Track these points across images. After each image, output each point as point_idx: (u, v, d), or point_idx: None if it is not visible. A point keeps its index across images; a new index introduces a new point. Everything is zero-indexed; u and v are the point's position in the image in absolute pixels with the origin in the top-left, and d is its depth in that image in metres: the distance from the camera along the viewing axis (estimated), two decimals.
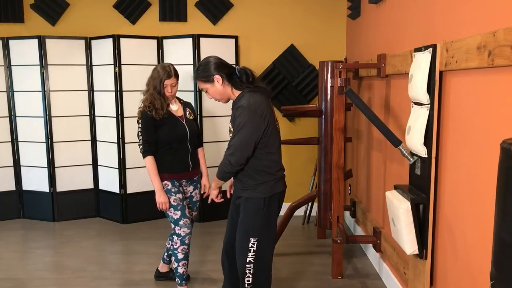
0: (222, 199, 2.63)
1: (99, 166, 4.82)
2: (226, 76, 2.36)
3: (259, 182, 2.34)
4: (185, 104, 3.11)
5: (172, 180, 2.96)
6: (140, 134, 2.89)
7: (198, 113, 4.53)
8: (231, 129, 2.33)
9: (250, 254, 2.37)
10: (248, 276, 2.38)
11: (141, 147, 2.89)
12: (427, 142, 2.24)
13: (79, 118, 4.74)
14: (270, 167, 2.35)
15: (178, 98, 3.10)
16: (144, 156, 2.90)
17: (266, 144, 2.31)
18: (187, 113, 3.07)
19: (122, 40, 4.45)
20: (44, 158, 4.68)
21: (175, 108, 3.01)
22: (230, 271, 2.59)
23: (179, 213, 2.91)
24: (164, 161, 2.93)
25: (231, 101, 2.48)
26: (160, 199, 2.89)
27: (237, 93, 2.38)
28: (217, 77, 2.35)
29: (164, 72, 2.88)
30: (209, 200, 2.65)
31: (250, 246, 2.36)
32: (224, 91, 2.39)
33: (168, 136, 2.91)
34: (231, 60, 4.63)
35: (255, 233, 2.36)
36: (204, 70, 2.38)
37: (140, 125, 2.89)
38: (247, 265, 2.38)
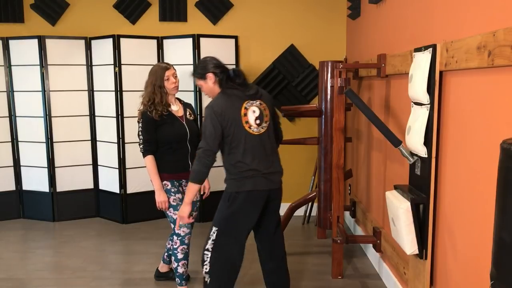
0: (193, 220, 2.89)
1: (99, 166, 4.82)
2: (219, 75, 2.51)
3: (228, 178, 2.52)
4: (185, 105, 3.13)
5: (172, 180, 2.96)
6: (140, 133, 2.91)
7: (198, 113, 4.53)
8: None
9: (209, 242, 2.51)
10: (206, 264, 2.51)
11: (141, 146, 2.91)
12: (427, 142, 2.24)
13: (79, 118, 4.74)
14: (235, 166, 2.46)
15: (178, 99, 3.11)
16: (144, 156, 2.91)
17: (229, 145, 2.45)
18: (188, 113, 3.08)
19: (122, 40, 4.45)
20: (44, 158, 4.68)
21: (176, 108, 3.02)
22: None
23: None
24: (164, 161, 2.94)
25: None
26: (160, 198, 2.90)
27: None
28: (210, 75, 2.52)
29: (162, 66, 2.94)
30: (177, 224, 2.75)
31: (210, 234, 2.51)
32: (213, 90, 2.56)
33: (168, 135, 2.92)
34: (231, 60, 4.64)
35: (216, 223, 2.51)
36: (202, 67, 2.56)
37: (140, 125, 2.91)
38: (205, 252, 2.52)
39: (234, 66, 4.66)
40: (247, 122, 2.45)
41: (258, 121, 2.49)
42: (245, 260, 3.15)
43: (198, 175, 2.46)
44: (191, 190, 2.51)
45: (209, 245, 2.50)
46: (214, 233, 2.49)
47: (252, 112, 2.48)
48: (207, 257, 2.50)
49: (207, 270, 2.50)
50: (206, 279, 2.54)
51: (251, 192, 2.46)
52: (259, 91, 2.58)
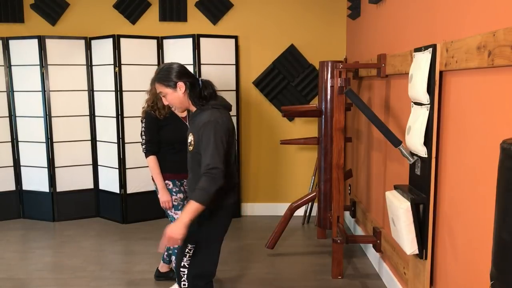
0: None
1: (99, 166, 4.82)
2: (189, 85, 2.29)
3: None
4: None
5: (174, 180, 2.96)
6: (143, 133, 2.91)
7: None
8: (192, 143, 2.27)
9: (185, 259, 2.33)
10: (184, 281, 2.33)
11: (143, 146, 2.91)
12: (427, 142, 2.24)
13: (79, 118, 4.74)
14: (226, 180, 2.20)
15: None
16: (146, 156, 2.92)
17: (226, 159, 2.24)
18: (191, 114, 3.07)
19: (122, 40, 4.45)
20: (44, 158, 4.68)
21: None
22: None
23: (179, 213, 2.91)
24: (167, 161, 2.94)
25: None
26: (163, 198, 2.91)
27: (197, 105, 2.31)
28: (181, 84, 2.27)
29: None
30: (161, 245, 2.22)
31: (186, 251, 2.32)
32: (184, 100, 2.31)
33: (171, 136, 2.93)
34: (231, 60, 4.64)
35: (191, 240, 2.29)
36: (167, 74, 2.29)
37: (143, 125, 2.92)
38: (181, 269, 2.33)
39: (233, 66, 4.67)
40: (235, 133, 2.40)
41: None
42: (244, 260, 3.18)
43: (208, 196, 2.10)
44: (194, 210, 2.10)
45: (185, 262, 2.33)
46: (190, 250, 2.31)
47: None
48: (184, 274, 2.32)
49: (186, 286, 2.33)
50: None
51: (233, 204, 2.37)
52: None
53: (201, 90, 2.30)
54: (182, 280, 2.34)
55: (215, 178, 2.11)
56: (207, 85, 2.32)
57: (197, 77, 2.40)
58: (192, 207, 2.09)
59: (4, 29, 4.71)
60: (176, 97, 2.30)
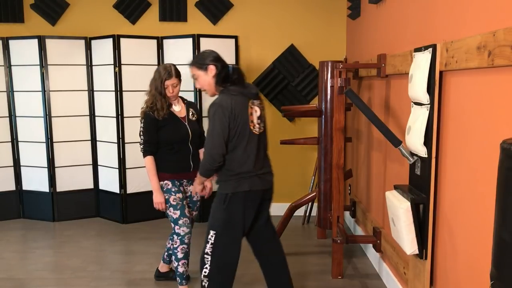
0: (206, 193, 2.92)
1: (99, 166, 4.82)
2: (219, 70, 2.45)
3: (223, 179, 2.47)
4: (188, 104, 3.11)
5: (173, 180, 2.96)
6: (141, 133, 2.91)
7: (199, 113, 4.52)
8: None
9: (208, 246, 2.49)
10: (206, 267, 2.49)
11: (141, 146, 2.91)
12: (427, 142, 2.24)
13: (79, 118, 4.74)
14: (233, 166, 2.42)
15: (182, 98, 3.10)
16: (144, 156, 2.92)
17: (232, 144, 2.40)
18: (190, 114, 3.07)
19: (122, 40, 4.45)
20: (44, 158, 4.68)
21: (178, 109, 3.01)
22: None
23: (178, 212, 2.91)
24: (165, 161, 2.94)
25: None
26: (157, 199, 2.91)
27: (219, 90, 2.48)
28: (212, 67, 2.45)
29: (165, 72, 2.89)
30: (193, 193, 2.94)
31: (208, 238, 2.49)
32: (211, 84, 2.49)
33: (170, 137, 2.92)
34: (231, 60, 4.63)
35: (212, 226, 2.48)
36: (201, 57, 2.50)
37: (142, 125, 2.91)
38: (205, 256, 2.50)
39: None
40: (252, 121, 2.44)
41: (258, 121, 2.49)
42: (245, 260, 3.16)
43: (206, 172, 2.49)
44: (199, 178, 2.65)
45: (208, 249, 2.48)
46: (212, 236, 2.47)
47: (255, 112, 2.48)
48: (207, 261, 2.48)
49: (206, 274, 2.49)
50: (204, 283, 2.51)
51: (248, 192, 2.45)
52: (258, 91, 2.58)
53: (228, 76, 2.45)
54: (204, 266, 2.49)
55: (205, 159, 2.41)
56: (235, 71, 2.48)
57: (228, 64, 2.55)
58: (198, 175, 2.60)
59: (4, 29, 4.71)
60: (206, 80, 2.48)
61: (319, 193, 3.87)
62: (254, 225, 2.61)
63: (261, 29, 4.76)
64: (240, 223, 2.48)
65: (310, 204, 4.66)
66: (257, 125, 2.47)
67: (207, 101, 4.52)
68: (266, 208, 2.64)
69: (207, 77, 2.47)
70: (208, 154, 2.39)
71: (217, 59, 2.48)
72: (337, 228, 3.30)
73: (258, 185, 2.47)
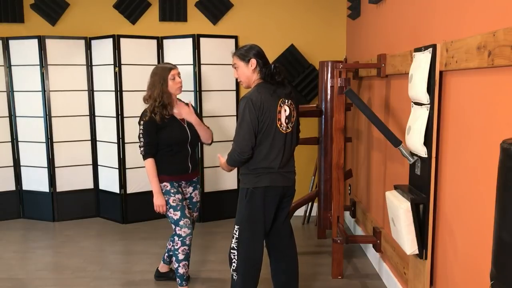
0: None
1: (99, 166, 4.82)
2: (260, 65, 2.51)
3: (245, 172, 2.53)
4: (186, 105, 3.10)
5: (172, 182, 2.95)
6: (141, 136, 2.89)
7: (198, 113, 4.52)
8: None
9: (233, 241, 2.56)
10: (234, 262, 2.56)
11: (141, 149, 2.89)
12: (427, 142, 2.24)
13: (79, 118, 4.74)
14: (255, 160, 2.47)
15: (180, 100, 3.10)
16: (144, 158, 2.90)
17: (259, 139, 2.44)
18: None
19: (122, 40, 4.45)
20: (44, 158, 4.68)
21: (177, 110, 3.01)
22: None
23: (179, 213, 2.91)
24: (164, 163, 2.93)
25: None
26: (158, 202, 2.90)
27: (254, 84, 2.54)
28: (253, 61, 2.51)
29: (166, 66, 2.92)
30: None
31: (234, 232, 2.57)
32: (250, 77, 2.54)
33: (169, 139, 2.91)
34: (231, 60, 4.62)
35: (237, 221, 2.56)
36: (245, 50, 2.55)
37: (141, 127, 2.89)
38: (231, 250, 2.57)
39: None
40: (279, 119, 2.48)
41: (286, 120, 2.52)
42: None
43: (234, 163, 2.51)
44: (223, 163, 2.60)
45: (233, 244, 2.55)
46: (236, 231, 2.54)
47: (284, 111, 2.51)
48: (234, 255, 2.55)
49: (235, 268, 2.55)
50: (234, 277, 2.58)
51: (268, 187, 2.49)
52: (292, 91, 2.61)
53: (266, 73, 2.49)
54: (232, 261, 2.56)
55: (234, 150, 2.43)
56: (279, 72, 2.52)
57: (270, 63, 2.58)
58: (225, 163, 2.57)
59: (4, 29, 4.71)
60: (245, 72, 2.54)
61: (319, 193, 3.87)
62: (275, 221, 2.65)
63: (261, 29, 4.76)
64: (261, 218, 2.52)
65: (310, 204, 4.66)
66: (284, 124, 2.51)
67: (207, 101, 4.55)
68: (287, 205, 2.68)
69: (247, 70, 2.53)
70: (237, 145, 2.41)
71: (260, 55, 2.53)
72: (337, 228, 3.30)
73: (278, 181, 2.52)
